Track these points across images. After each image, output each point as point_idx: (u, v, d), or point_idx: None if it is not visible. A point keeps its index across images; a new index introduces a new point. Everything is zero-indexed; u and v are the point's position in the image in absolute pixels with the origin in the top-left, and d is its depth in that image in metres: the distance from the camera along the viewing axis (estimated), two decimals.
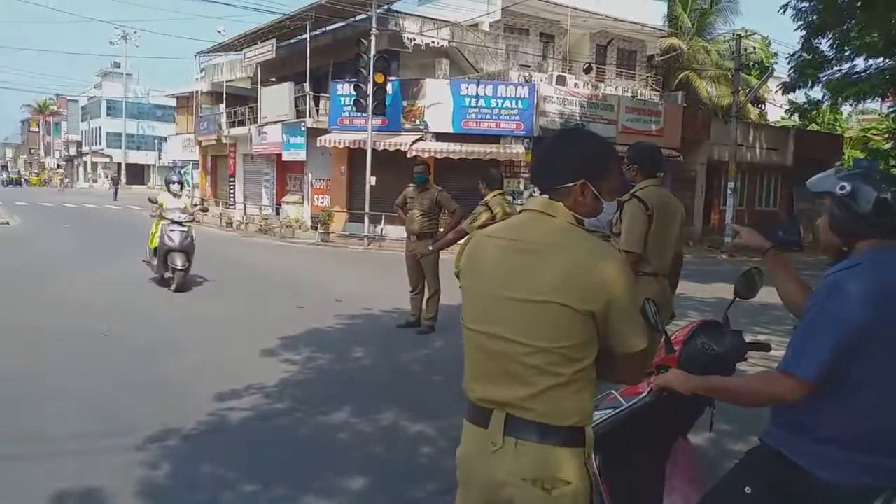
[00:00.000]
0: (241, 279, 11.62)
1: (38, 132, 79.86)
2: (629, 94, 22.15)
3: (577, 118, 19.89)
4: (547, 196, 1.84)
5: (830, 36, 14.50)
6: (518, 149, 19.04)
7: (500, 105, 19.19)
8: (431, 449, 4.36)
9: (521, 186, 19.40)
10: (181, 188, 10.34)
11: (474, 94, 19.22)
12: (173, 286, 9.45)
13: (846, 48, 14.51)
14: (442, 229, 7.80)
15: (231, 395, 5.24)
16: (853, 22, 13.59)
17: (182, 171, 36.40)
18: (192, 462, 4.03)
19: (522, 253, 1.77)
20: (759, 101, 31.31)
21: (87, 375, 5.71)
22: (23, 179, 55.92)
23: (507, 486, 1.76)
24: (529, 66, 23.29)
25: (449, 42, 22.58)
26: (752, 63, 28.43)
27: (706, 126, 23.71)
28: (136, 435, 4.35)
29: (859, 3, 12.98)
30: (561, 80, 20.43)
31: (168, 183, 10.26)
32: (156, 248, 9.80)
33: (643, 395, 2.48)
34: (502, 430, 1.76)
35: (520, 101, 19.17)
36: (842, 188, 2.00)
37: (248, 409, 5.00)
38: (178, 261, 9.44)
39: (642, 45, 28.31)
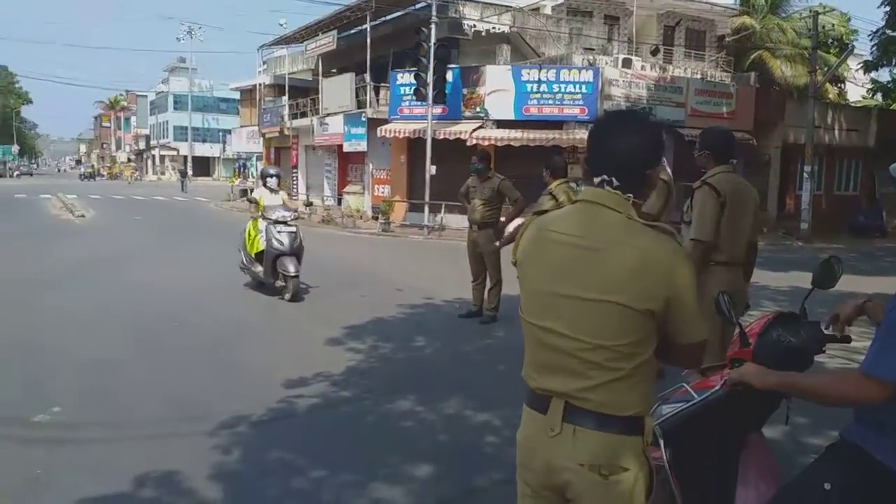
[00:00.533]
0: (306, 269, 11.89)
1: (110, 127, 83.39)
2: (698, 76, 21.51)
3: (644, 101, 19.49)
4: (605, 185, 1.82)
5: None
6: (582, 134, 18.75)
7: (563, 90, 18.97)
8: (496, 438, 4.40)
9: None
10: (278, 183, 9.54)
11: (536, 79, 19.06)
12: (288, 295, 8.43)
13: None
14: (503, 218, 7.80)
15: (299, 382, 5.41)
16: None
17: (246, 163, 37.76)
18: (262, 448, 4.18)
19: (578, 248, 1.77)
20: (838, 80, 29.95)
21: (162, 363, 5.99)
22: (96, 173, 58.28)
23: (564, 470, 1.79)
24: (594, 50, 22.90)
25: (510, 27, 22.42)
26: (830, 41, 27.21)
27: (781, 108, 22.82)
28: (209, 421, 4.53)
29: None
30: (627, 63, 20.02)
31: (264, 177, 9.54)
32: (258, 253, 8.90)
33: (716, 388, 2.44)
34: (561, 417, 1.79)
35: (583, 86, 18.91)
36: None
37: (316, 396, 5.14)
38: (291, 266, 8.44)
39: (712, 25, 27.44)
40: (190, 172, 50.98)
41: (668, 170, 5.75)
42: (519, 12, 22.86)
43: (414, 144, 20.65)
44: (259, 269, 8.93)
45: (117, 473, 3.71)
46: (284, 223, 8.72)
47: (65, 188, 36.81)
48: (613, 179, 1.80)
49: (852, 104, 30.57)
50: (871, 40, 16.42)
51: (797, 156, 22.39)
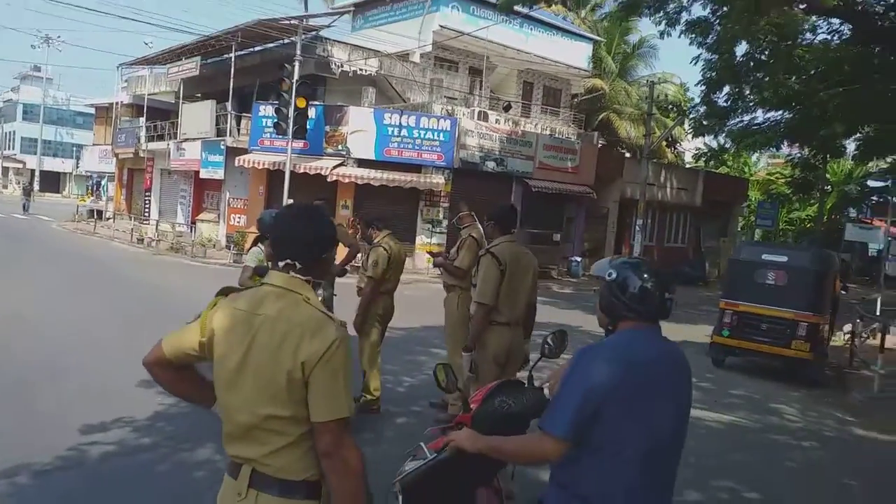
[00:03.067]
0: (137, 301, 11.37)
1: None
2: (548, 132, 22.91)
3: (497, 153, 20.45)
4: (289, 269, 2.03)
5: (727, 92, 15.50)
6: (438, 179, 19.40)
7: (422, 136, 19.54)
8: None
9: (441, 216, 19.76)
10: None
11: (397, 123, 19.52)
12: None
13: (740, 103, 15.53)
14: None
15: (98, 427, 5.17)
16: (751, 78, 14.61)
17: (100, 182, 35.17)
18: (37, 499, 3.98)
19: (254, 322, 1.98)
20: (674, 142, 32.90)
21: None
22: None
23: None
24: (456, 99, 23.78)
25: (377, 71, 22.85)
26: (669, 105, 29.91)
27: (619, 165, 24.76)
28: None
29: (752, 63, 13.96)
30: (483, 116, 20.97)
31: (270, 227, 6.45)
32: None
33: (442, 448, 2.67)
34: (248, 483, 1.95)
35: (442, 133, 19.56)
36: (609, 275, 2.28)
37: (113, 442, 4.95)
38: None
39: (567, 84, 29.35)
40: (37, 188, 47.17)
41: (480, 227, 6.12)
42: (386, 57, 23.36)
43: (273, 176, 20.39)
44: None
45: None
46: None
47: None
48: (297, 263, 2.01)
49: (686, 165, 33.66)
50: (689, 115, 18.28)
51: (633, 209, 24.30)
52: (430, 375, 2.94)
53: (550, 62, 26.78)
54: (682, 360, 2.31)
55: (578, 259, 22.58)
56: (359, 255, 6.99)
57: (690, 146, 33.12)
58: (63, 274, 14.05)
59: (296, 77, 17.86)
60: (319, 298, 5.77)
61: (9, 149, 61.65)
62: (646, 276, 2.23)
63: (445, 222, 19.37)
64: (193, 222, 23.52)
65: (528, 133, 21.74)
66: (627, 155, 28.42)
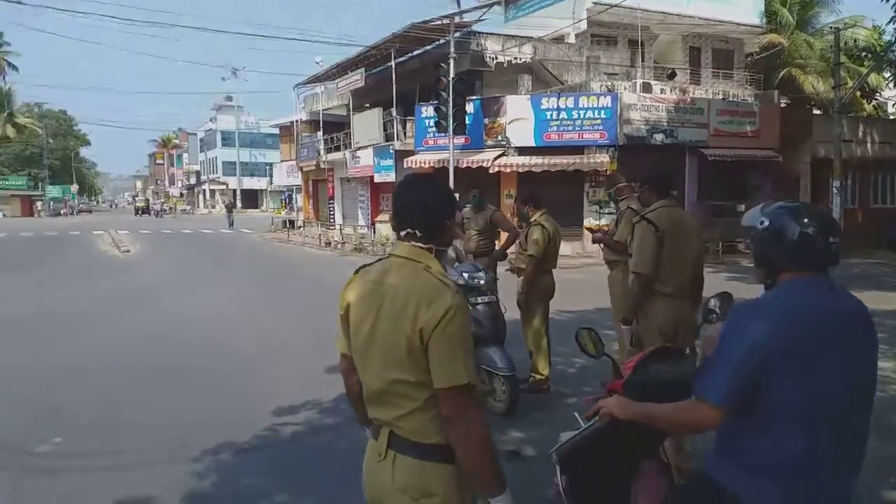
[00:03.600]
0: (324, 298, 12.22)
1: (163, 164, 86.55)
2: (720, 97, 21.36)
3: (665, 124, 19.47)
4: (410, 239, 2.04)
5: None
6: (602, 158, 18.86)
7: (582, 116, 19.12)
8: None
9: (607, 197, 19.16)
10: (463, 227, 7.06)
11: (555, 106, 19.27)
12: (501, 405, 5.40)
13: None
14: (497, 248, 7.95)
15: (289, 410, 5.65)
16: None
17: (291, 195, 38.28)
18: (237, 474, 4.42)
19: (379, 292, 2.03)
20: (872, 92, 29.26)
21: (166, 394, 6.30)
22: (151, 209, 59.65)
23: (383, 492, 2.02)
24: (616, 75, 22.98)
25: (531, 57, 22.69)
26: (861, 52, 26.66)
27: (807, 124, 22.41)
28: (195, 448, 4.80)
29: None
30: (646, 87, 20.04)
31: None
32: None
33: (594, 418, 2.58)
34: (386, 444, 2.01)
35: (602, 111, 19.02)
36: (762, 223, 2.06)
37: (301, 423, 5.37)
38: (500, 360, 5.37)
39: (739, 44, 27.19)
40: (239, 205, 52.41)
41: (637, 200, 5.85)
42: (540, 42, 23.12)
43: (439, 173, 20.97)
44: None
45: (96, 502, 3.99)
46: (478, 289, 5.70)
47: (117, 224, 38.32)
48: (417, 231, 2.03)
49: (889, 117, 29.80)
50: (886, 58, 16.11)
51: (828, 171, 21.97)
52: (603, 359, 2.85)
53: (717, 23, 24.97)
54: (861, 312, 2.02)
55: None
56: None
57: (893, 94, 29.29)
58: (262, 276, 15.51)
59: (451, 75, 18.22)
60: (455, 264, 5.87)
61: (213, 173, 69.10)
62: (805, 220, 1.98)
63: (613, 203, 18.76)
64: (373, 224, 24.86)
65: (699, 100, 20.44)
66: (817, 112, 25.70)
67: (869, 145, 23.51)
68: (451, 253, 6.23)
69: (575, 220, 18.38)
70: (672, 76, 22.38)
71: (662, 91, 20.37)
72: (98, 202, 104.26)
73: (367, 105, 27.44)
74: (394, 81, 22.67)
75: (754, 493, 1.96)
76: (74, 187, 65.47)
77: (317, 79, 31.21)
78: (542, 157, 18.95)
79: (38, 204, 59.51)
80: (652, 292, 4.05)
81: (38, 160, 61.84)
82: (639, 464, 2.68)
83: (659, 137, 19.39)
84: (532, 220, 6.28)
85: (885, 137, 24.02)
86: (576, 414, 2.74)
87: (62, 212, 59.76)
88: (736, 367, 1.90)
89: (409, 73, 23.80)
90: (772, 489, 1.93)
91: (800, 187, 22.49)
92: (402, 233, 2.07)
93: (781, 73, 26.71)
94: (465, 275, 5.71)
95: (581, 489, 2.72)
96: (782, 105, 23.63)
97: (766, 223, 2.04)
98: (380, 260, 2.15)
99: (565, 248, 18.71)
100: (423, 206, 2.06)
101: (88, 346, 8.26)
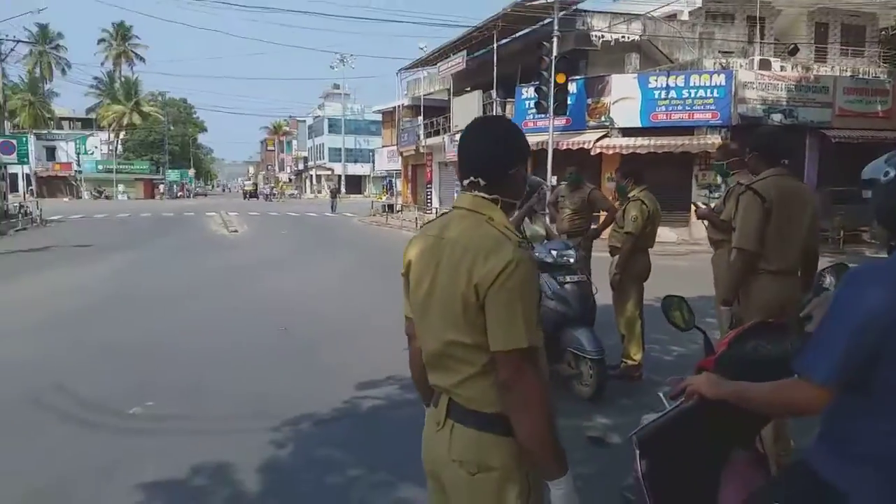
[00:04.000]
0: None
1: (274, 150, 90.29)
2: (848, 74, 19.71)
3: (784, 103, 18.18)
4: (473, 188, 1.83)
5: None
6: (714, 139, 17.86)
7: (693, 95, 18.18)
8: None
9: (718, 179, 18.15)
10: (542, 202, 6.23)
11: (664, 85, 18.42)
12: (587, 389, 5.13)
13: None
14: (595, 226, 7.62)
15: (370, 384, 5.60)
16: None
17: (392, 180, 39.10)
18: (315, 445, 4.39)
19: (439, 246, 1.82)
20: None
21: (257, 365, 6.42)
22: (260, 193, 62.35)
23: (439, 464, 1.86)
24: (732, 53, 21.71)
25: (640, 35, 21.81)
26: None
27: None
28: (276, 418, 4.81)
29: None
30: (764, 64, 18.76)
31: (526, 196, 5.47)
32: None
33: (683, 398, 2.31)
34: (445, 413, 1.83)
35: (716, 90, 18.01)
36: (886, 174, 1.76)
37: (381, 398, 5.31)
38: (588, 342, 5.09)
39: (872, 18, 25.10)
40: (343, 190, 53.85)
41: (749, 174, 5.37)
42: (650, 20, 22.16)
43: (539, 155, 20.54)
44: None
45: (177, 463, 4.05)
46: (567, 268, 5.39)
47: (228, 207, 40.30)
48: (480, 180, 1.81)
49: None
50: None
51: None
52: (701, 345, 2.56)
53: None
54: None
55: None
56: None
57: None
58: (359, 256, 15.79)
59: (554, 53, 17.74)
60: (544, 241, 5.53)
61: (320, 159, 71.36)
62: None
63: (724, 186, 17.76)
64: None
65: (824, 77, 18.93)
66: None
67: None
68: (540, 230, 5.93)
69: (682, 205, 17.52)
70: (794, 52, 20.91)
71: (783, 68, 19.02)
72: (213, 186, 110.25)
73: (468, 89, 27.34)
74: (495, 62, 22.43)
75: (860, 486, 1.65)
76: (192, 172, 69.53)
77: (420, 63, 31.46)
78: (648, 139, 18.18)
79: (161, 187, 63.62)
80: (755, 270, 3.66)
81: (160, 146, 65.94)
82: (729, 452, 2.39)
83: (777, 117, 18.12)
84: (631, 195, 5.92)
85: None
86: (660, 394, 2.47)
87: (178, 194, 63.55)
88: (846, 340, 1.59)
89: (512, 55, 23.45)
90: (883, 483, 1.62)
91: None
92: (465, 182, 1.86)
93: None
94: (554, 252, 5.45)
95: (662, 476, 2.46)
96: None
97: (892, 174, 1.73)
98: (443, 214, 1.95)
99: (670, 234, 18.01)
100: (485, 151, 1.84)
101: (188, 319, 8.59)
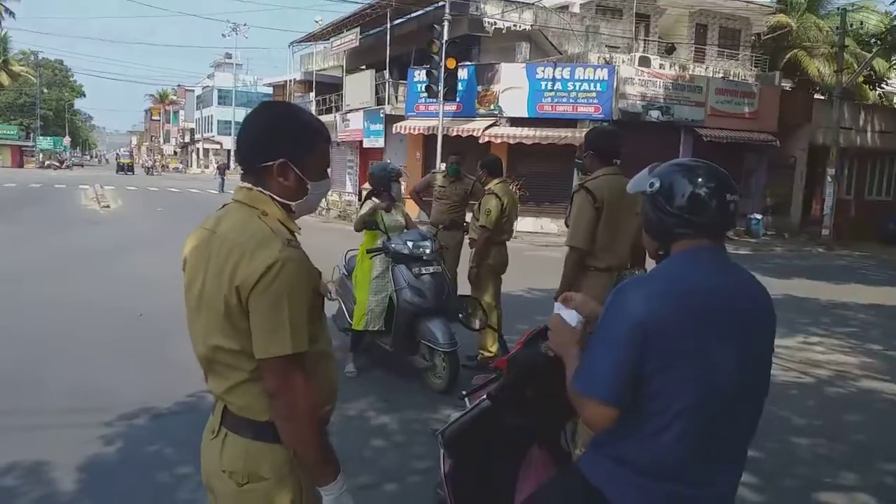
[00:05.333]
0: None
1: (159, 120, 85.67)
2: (720, 75, 20.92)
3: (662, 100, 19.08)
4: (246, 181, 1.75)
5: None
6: None
7: (577, 88, 18.71)
8: (384, 442, 4.36)
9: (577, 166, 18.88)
10: (401, 189, 6.02)
11: (551, 77, 18.84)
12: (440, 382, 5.24)
13: None
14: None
15: None
16: None
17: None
18: (146, 440, 4.20)
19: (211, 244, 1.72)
20: (878, 80, 28.72)
21: (100, 353, 6.07)
22: (143, 166, 58.63)
23: (211, 474, 1.79)
24: (618, 48, 22.51)
25: (532, 25, 22.18)
26: (870, 38, 26.09)
27: (807, 108, 22.02)
28: (112, 412, 4.58)
29: None
30: (644, 62, 19.59)
31: (381, 180, 5.75)
32: (380, 314, 5.50)
33: (482, 398, 2.35)
34: (219, 420, 1.77)
35: (598, 84, 18.60)
36: (651, 185, 1.82)
37: None
38: (442, 335, 5.14)
39: (747, 23, 26.66)
40: (233, 166, 51.80)
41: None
42: (542, 10, 22.59)
43: (429, 141, 20.63)
44: (381, 336, 5.61)
45: None
46: (421, 259, 5.43)
47: (104, 180, 37.91)
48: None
49: (895, 105, 29.28)
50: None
51: (826, 158, 21.63)
52: None
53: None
54: (758, 291, 1.78)
55: (759, 216, 20.54)
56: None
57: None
58: None
59: (445, 37, 17.76)
60: (403, 231, 5.44)
61: (208, 131, 68.35)
62: (699, 178, 1.73)
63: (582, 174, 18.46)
64: (361, 191, 24.56)
65: (698, 77, 19.98)
66: (819, 97, 25.26)
67: (869, 134, 23.14)
68: (399, 219, 5.89)
69: (564, 196, 18.07)
70: (671, 51, 21.96)
71: (661, 66, 19.93)
72: (92, 157, 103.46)
73: (363, 67, 26.95)
74: (388, 42, 22.22)
75: (624, 492, 1.73)
76: (67, 140, 64.80)
77: (313, 37, 30.69)
78: (535, 129, 18.58)
79: (40, 156, 58.83)
80: (586, 267, 3.80)
81: (32, 110, 61.05)
82: (528, 450, 2.45)
83: (655, 114, 19.01)
84: (487, 188, 5.98)
85: (887, 126, 23.62)
86: (463, 392, 2.52)
87: (45, 164, 58.90)
88: (615, 359, 1.64)
89: (406, 36, 23.29)
90: (644, 489, 1.70)
91: (795, 173, 22.18)
92: (242, 172, 1.78)
93: (788, 56, 26.18)
94: (410, 243, 5.45)
95: (464, 475, 2.51)
96: (784, 88, 23.19)
97: (657, 184, 1.80)
98: (226, 206, 1.83)
99: (551, 225, 18.56)
100: (247, 139, 1.75)
101: (33, 302, 8.01)
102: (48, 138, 62.78)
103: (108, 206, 21.77)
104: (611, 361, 1.64)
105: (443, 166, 18.39)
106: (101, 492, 3.58)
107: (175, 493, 3.58)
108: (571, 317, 1.94)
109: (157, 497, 3.55)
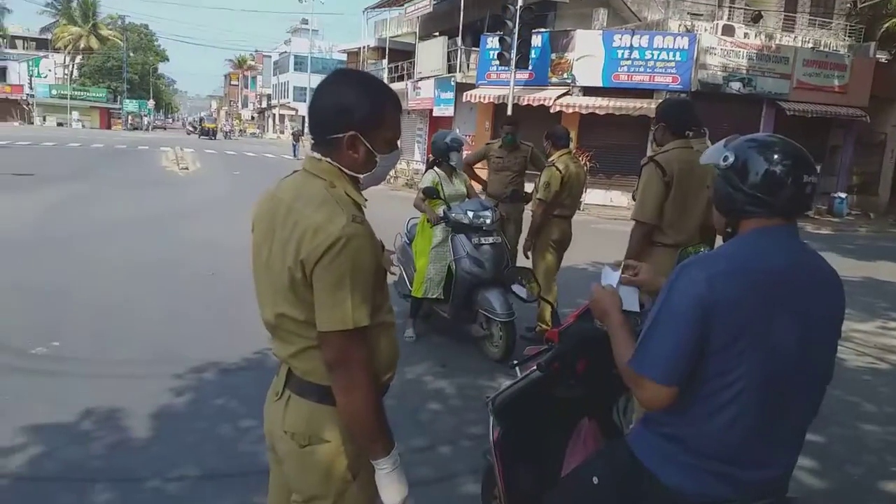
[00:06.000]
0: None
1: (238, 85, 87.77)
2: (810, 46, 19.77)
3: (744, 71, 18.24)
4: (316, 151, 1.74)
5: None
6: None
7: (655, 57, 18.07)
8: (439, 406, 4.42)
9: None
10: (460, 158, 5.83)
11: (628, 45, 18.25)
12: (496, 350, 5.27)
13: None
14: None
15: None
16: None
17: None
18: (214, 393, 4.40)
19: (281, 213, 1.72)
20: None
21: (173, 310, 6.37)
22: (218, 130, 59.56)
23: (276, 436, 1.84)
24: (701, 16, 21.59)
25: None
26: None
27: None
28: (182, 365, 4.82)
29: None
30: (727, 30, 18.70)
31: (443, 151, 5.68)
32: (439, 283, 5.49)
33: (532, 369, 2.34)
34: (283, 383, 1.81)
35: (678, 53, 17.91)
36: (725, 159, 1.74)
37: None
38: (498, 305, 5.14)
39: None
40: (307, 132, 52.66)
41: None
42: None
43: (499, 110, 20.38)
44: (440, 303, 5.63)
45: (70, 406, 4.03)
46: (481, 229, 5.44)
47: (185, 142, 39.27)
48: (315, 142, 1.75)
49: None
50: None
51: None
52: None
53: None
54: (827, 273, 1.72)
55: (843, 196, 19.50)
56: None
57: None
58: None
59: (520, 3, 17.39)
60: (466, 200, 5.46)
61: (284, 97, 69.59)
62: (776, 156, 1.65)
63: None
64: (429, 159, 24.62)
65: (785, 47, 18.96)
66: None
67: None
68: (461, 188, 5.86)
69: (636, 169, 17.50)
70: (757, 19, 20.85)
71: (746, 36, 19.00)
72: (173, 120, 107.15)
73: (437, 34, 26.81)
74: (461, 8, 21.96)
75: (672, 471, 1.71)
76: (151, 103, 67.18)
77: (387, 3, 30.67)
78: (608, 99, 18.11)
79: (128, 118, 61.27)
80: (653, 242, 3.70)
81: (119, 73, 63.51)
82: (577, 422, 2.44)
83: (736, 86, 18.19)
84: (550, 160, 5.85)
85: None
86: (514, 361, 2.52)
87: (130, 124, 61.11)
88: (677, 340, 1.60)
89: (480, 1, 22.95)
90: (694, 469, 1.68)
91: (885, 151, 20.91)
92: (312, 142, 1.78)
93: (886, 25, 24.48)
94: (470, 213, 5.45)
95: (513, 443, 2.53)
96: (880, 60, 21.74)
97: (731, 159, 1.73)
98: (296, 172, 1.84)
99: (622, 198, 18.11)
100: (320, 108, 1.73)
101: (114, 260, 8.41)
102: (134, 101, 65.30)
103: (186, 169, 22.55)
104: (671, 341, 1.61)
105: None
106: (171, 440, 3.77)
107: (238, 445, 3.74)
108: (613, 278, 1.89)
109: (222, 447, 3.71)
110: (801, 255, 1.70)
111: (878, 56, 21.06)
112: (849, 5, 25.03)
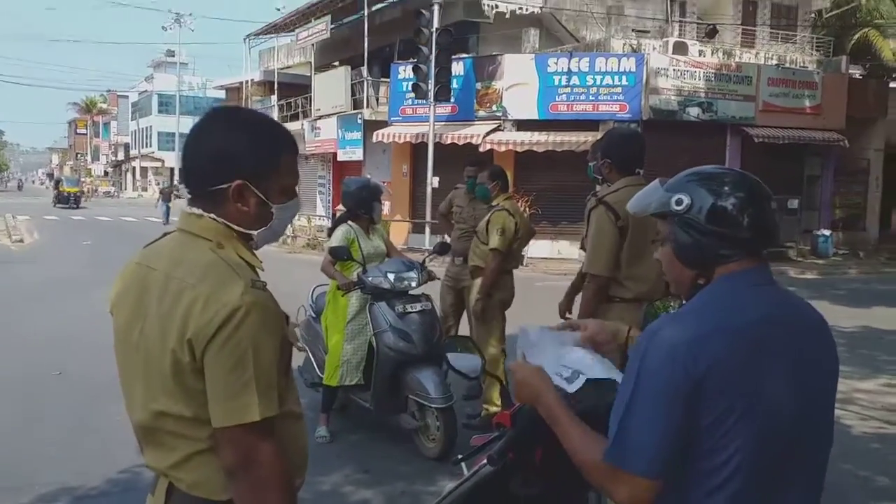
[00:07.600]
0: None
1: (86, 134, 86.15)
2: (774, 62, 21.16)
3: (703, 95, 19.30)
4: (194, 206, 1.76)
5: None
6: None
7: (598, 82, 18.95)
8: None
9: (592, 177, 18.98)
10: (380, 211, 6.01)
11: (566, 69, 19.05)
12: (434, 448, 5.25)
13: None
14: None
15: None
16: None
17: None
18: None
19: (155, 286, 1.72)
20: None
21: (13, 420, 6.08)
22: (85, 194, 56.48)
23: None
24: (647, 32, 22.83)
25: (541, 8, 22.50)
26: None
27: (882, 100, 22.27)
28: (28, 494, 4.61)
29: None
30: (680, 48, 19.84)
31: (361, 203, 5.76)
32: (358, 365, 5.52)
33: (483, 463, 2.37)
34: (163, 502, 1.76)
35: (624, 77, 18.84)
36: (679, 202, 1.80)
37: None
38: (434, 388, 5.13)
39: (806, 0, 27.08)
40: (181, 188, 51.62)
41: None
42: None
43: (418, 151, 20.82)
44: (359, 391, 5.61)
45: None
46: (406, 294, 5.53)
47: (18, 209, 38.08)
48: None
49: None
50: None
51: None
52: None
53: None
54: (815, 320, 1.81)
55: (828, 233, 20.64)
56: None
57: None
58: None
59: (435, 24, 17.99)
60: (385, 260, 5.39)
61: (146, 146, 68.71)
62: (726, 187, 1.74)
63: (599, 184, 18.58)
64: (334, 213, 24.66)
65: (747, 65, 20.22)
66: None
67: None
68: (380, 245, 5.93)
69: (585, 214, 18.14)
70: (712, 34, 22.15)
71: (701, 53, 20.20)
72: (5, 180, 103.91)
73: (336, 64, 27.27)
74: (366, 32, 22.47)
75: None
76: None
77: (274, 28, 31.12)
78: (547, 134, 18.78)
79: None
80: (609, 298, 3.84)
81: None
82: None
83: (694, 112, 19.21)
84: (496, 203, 6.00)
85: None
86: (459, 457, 2.53)
87: None
88: (665, 416, 1.61)
89: (388, 25, 23.63)
90: None
91: (869, 179, 22.35)
92: (189, 196, 1.79)
93: (856, 36, 26.51)
94: (391, 275, 5.46)
95: None
96: (853, 76, 23.45)
97: (685, 201, 1.80)
98: (167, 234, 1.84)
99: (570, 249, 18.58)
100: (194, 155, 1.76)
101: None
102: None
103: (21, 241, 21.91)
104: (656, 424, 1.62)
105: (436, 181, 18.58)
106: None
107: None
108: (531, 336, 1.94)
109: None
110: (784, 301, 1.79)
111: (850, 71, 22.71)
112: (813, 16, 27.02)
